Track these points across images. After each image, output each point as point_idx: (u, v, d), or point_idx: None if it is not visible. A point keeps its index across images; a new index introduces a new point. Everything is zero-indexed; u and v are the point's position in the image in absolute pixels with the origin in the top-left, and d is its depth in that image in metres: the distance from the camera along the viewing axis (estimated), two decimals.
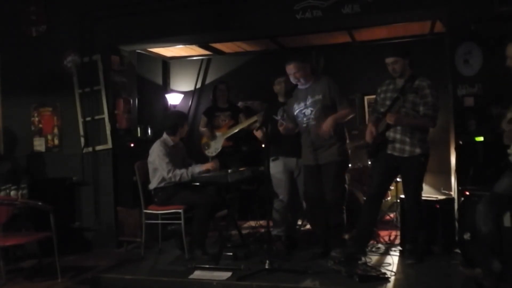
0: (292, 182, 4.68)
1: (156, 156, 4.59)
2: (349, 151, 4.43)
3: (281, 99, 4.77)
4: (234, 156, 5.73)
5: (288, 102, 4.44)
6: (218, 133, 5.75)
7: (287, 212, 4.71)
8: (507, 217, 3.57)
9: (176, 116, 4.91)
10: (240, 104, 6.42)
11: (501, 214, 3.50)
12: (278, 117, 4.35)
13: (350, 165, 5.61)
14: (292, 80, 4.32)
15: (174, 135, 4.75)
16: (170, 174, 4.51)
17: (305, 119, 4.32)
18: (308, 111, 4.29)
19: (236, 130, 5.67)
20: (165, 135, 4.77)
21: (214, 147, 5.73)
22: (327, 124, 4.13)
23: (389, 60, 4.09)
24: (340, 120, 4.24)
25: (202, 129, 5.86)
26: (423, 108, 3.99)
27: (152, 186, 4.67)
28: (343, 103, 4.26)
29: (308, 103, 4.29)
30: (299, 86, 4.35)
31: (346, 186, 4.41)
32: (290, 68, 4.27)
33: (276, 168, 4.60)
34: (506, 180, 3.45)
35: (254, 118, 5.34)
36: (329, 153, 4.24)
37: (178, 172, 4.53)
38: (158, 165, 4.58)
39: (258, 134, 4.71)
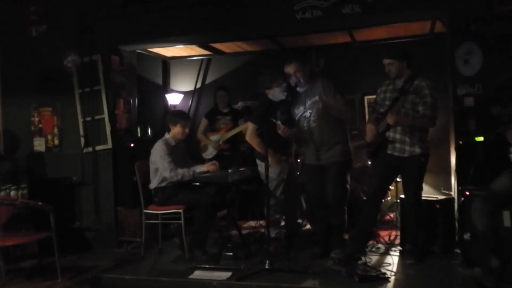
0: (290, 182, 4.72)
1: (157, 155, 4.59)
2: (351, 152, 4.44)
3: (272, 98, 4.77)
4: (232, 157, 5.73)
5: (292, 101, 4.48)
6: (216, 136, 5.79)
7: (282, 213, 4.78)
8: (507, 217, 3.57)
9: (170, 114, 4.96)
10: (240, 104, 6.42)
11: (496, 212, 3.51)
12: (278, 122, 4.35)
13: None
14: (293, 80, 4.32)
15: (169, 132, 4.76)
16: (172, 173, 4.50)
17: (305, 122, 4.35)
18: (307, 114, 4.32)
19: (233, 133, 5.72)
20: (166, 135, 4.78)
21: (211, 150, 5.78)
22: (325, 101, 4.14)
23: (385, 61, 4.11)
24: (335, 108, 4.21)
25: (200, 133, 5.89)
26: (422, 108, 3.99)
27: (152, 185, 4.67)
28: (338, 100, 4.26)
29: (307, 105, 4.33)
30: (298, 88, 4.36)
31: (348, 186, 4.41)
32: (291, 68, 4.29)
33: (273, 171, 4.59)
34: (504, 178, 3.46)
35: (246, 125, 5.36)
36: (331, 154, 4.26)
37: (180, 171, 4.52)
38: (159, 165, 4.57)
39: (250, 136, 4.74)
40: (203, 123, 5.94)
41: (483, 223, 3.40)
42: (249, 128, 4.73)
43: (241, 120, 5.83)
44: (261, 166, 4.70)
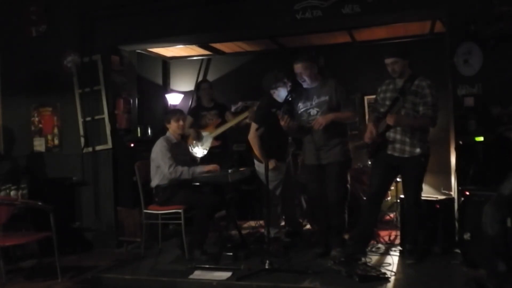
0: (287, 183, 4.73)
1: (158, 151, 4.60)
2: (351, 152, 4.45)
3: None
4: (224, 156, 5.62)
5: (293, 100, 4.45)
6: (205, 133, 5.63)
7: (281, 213, 4.79)
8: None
9: (163, 116, 4.99)
10: (240, 104, 6.40)
11: (507, 216, 3.49)
12: (281, 113, 4.34)
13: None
14: (298, 79, 4.33)
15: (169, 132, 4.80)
16: (171, 169, 4.51)
17: (310, 118, 4.33)
18: (313, 111, 4.30)
19: (224, 129, 5.57)
20: (168, 133, 4.80)
21: (202, 148, 5.60)
22: (325, 117, 4.15)
23: (388, 60, 4.09)
24: (340, 119, 4.24)
25: (188, 130, 5.69)
26: (422, 108, 3.98)
27: (153, 183, 4.67)
28: (349, 107, 4.28)
29: (314, 103, 4.30)
30: (305, 86, 4.35)
31: (348, 186, 4.41)
32: (298, 67, 4.28)
33: (271, 173, 4.58)
34: None
35: (245, 114, 5.30)
36: (332, 153, 4.25)
37: (179, 168, 4.52)
38: (160, 161, 4.58)
39: (253, 136, 4.72)
40: (188, 120, 5.70)
41: (494, 228, 3.37)
42: (251, 128, 4.74)
43: (228, 114, 5.69)
44: (258, 166, 4.71)
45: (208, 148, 5.56)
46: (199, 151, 5.57)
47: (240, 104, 6.38)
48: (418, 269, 3.98)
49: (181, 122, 4.78)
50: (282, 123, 4.21)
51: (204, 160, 5.39)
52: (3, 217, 4.28)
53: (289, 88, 4.51)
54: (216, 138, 5.58)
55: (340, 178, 4.27)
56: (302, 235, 4.97)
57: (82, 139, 5.53)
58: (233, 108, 5.88)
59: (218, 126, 5.61)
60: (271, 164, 4.45)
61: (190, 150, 5.57)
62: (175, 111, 5.01)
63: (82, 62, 5.53)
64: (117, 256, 5.05)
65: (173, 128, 4.77)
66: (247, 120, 5.09)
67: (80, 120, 5.54)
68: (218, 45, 6.56)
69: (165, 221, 4.72)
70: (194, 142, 5.61)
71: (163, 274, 4.16)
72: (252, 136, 4.69)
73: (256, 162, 4.75)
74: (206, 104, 5.75)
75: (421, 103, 3.98)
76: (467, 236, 3.90)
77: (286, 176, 4.76)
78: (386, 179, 4.26)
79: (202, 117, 5.70)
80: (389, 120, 3.96)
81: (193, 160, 5.15)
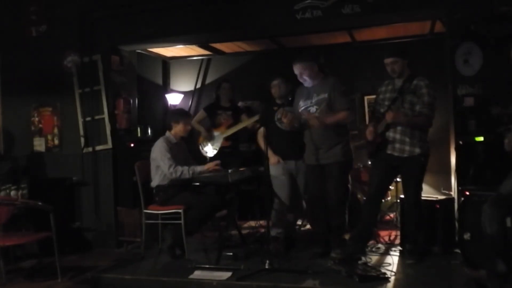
0: (293, 183, 4.68)
1: (158, 152, 4.60)
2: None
3: (278, 101, 4.77)
4: (233, 156, 5.63)
5: (295, 100, 4.46)
6: (216, 133, 5.65)
7: (286, 213, 4.72)
8: (508, 218, 3.56)
9: (172, 113, 5.07)
10: (240, 104, 6.40)
11: (507, 216, 3.49)
12: (280, 109, 4.35)
13: None
14: (299, 79, 4.34)
15: (170, 131, 4.79)
16: (171, 169, 4.51)
17: None
18: (313, 109, 4.29)
19: (235, 130, 5.58)
20: (167, 133, 4.80)
21: (213, 147, 5.63)
22: (320, 121, 4.15)
23: (388, 60, 4.10)
24: (333, 123, 4.19)
25: (196, 124, 5.72)
26: (419, 106, 4.00)
27: (154, 183, 4.67)
28: (343, 105, 4.22)
29: (313, 101, 4.29)
30: (306, 84, 4.36)
31: (349, 186, 4.40)
32: (297, 68, 4.29)
33: (277, 170, 4.59)
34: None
35: (256, 117, 5.31)
36: (332, 153, 4.24)
37: (179, 168, 4.52)
38: (160, 161, 4.58)
39: (260, 137, 4.77)
40: (201, 114, 5.80)
41: (493, 228, 3.38)
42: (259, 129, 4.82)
43: (243, 116, 5.73)
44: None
45: (218, 148, 5.58)
46: (209, 150, 5.59)
47: (240, 104, 6.39)
48: (418, 269, 3.98)
49: (188, 127, 4.82)
50: (284, 120, 4.24)
51: (214, 159, 5.39)
52: (3, 217, 4.28)
53: (281, 91, 4.64)
54: (226, 139, 5.61)
55: (340, 179, 4.26)
56: (294, 241, 4.83)
57: (82, 139, 5.53)
58: None
59: (229, 126, 5.63)
60: (274, 158, 4.49)
61: (201, 149, 5.62)
62: (186, 113, 5.04)
63: (82, 62, 5.53)
64: (117, 256, 5.05)
65: (179, 129, 4.77)
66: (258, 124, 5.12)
67: (80, 120, 5.54)
68: (218, 45, 6.56)
69: (165, 221, 4.71)
70: (205, 140, 5.63)
71: (163, 274, 4.16)
72: (258, 136, 4.77)
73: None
74: (223, 103, 5.77)
75: (418, 102, 3.99)
76: (467, 236, 3.90)
77: (292, 179, 4.71)
78: (386, 179, 4.27)
79: (217, 115, 5.72)
80: (388, 116, 3.98)
81: (194, 160, 5.14)
